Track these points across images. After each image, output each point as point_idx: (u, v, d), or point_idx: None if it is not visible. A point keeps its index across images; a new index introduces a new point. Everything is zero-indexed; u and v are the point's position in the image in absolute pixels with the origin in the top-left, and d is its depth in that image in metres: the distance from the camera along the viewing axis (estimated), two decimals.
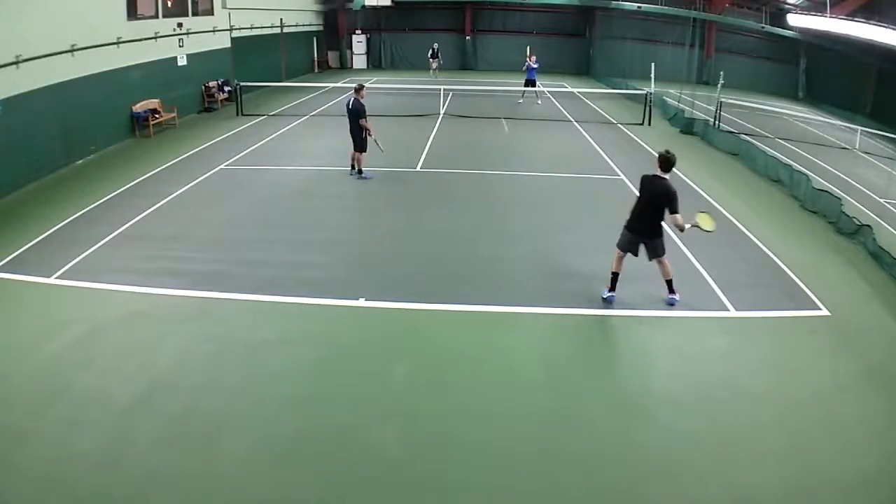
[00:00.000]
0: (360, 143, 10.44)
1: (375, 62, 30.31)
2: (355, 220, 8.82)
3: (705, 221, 6.13)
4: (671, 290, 6.27)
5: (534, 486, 3.97)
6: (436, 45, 26.25)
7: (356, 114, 10.18)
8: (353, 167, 10.77)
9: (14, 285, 6.59)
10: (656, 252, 6.11)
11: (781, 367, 5.32)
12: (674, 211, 5.78)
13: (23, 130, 10.10)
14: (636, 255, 6.18)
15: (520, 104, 18.86)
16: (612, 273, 6.28)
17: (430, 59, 25.84)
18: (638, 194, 6.17)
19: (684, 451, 4.30)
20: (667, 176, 5.93)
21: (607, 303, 6.26)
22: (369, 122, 10.31)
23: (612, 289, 6.29)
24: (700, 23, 23.66)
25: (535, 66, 18.80)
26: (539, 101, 19.33)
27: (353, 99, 10.24)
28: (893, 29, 17.61)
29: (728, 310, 6.31)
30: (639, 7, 26.87)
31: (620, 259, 6.25)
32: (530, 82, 18.96)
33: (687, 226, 5.87)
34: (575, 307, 6.27)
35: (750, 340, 5.76)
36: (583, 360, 5.41)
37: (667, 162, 5.91)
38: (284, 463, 4.12)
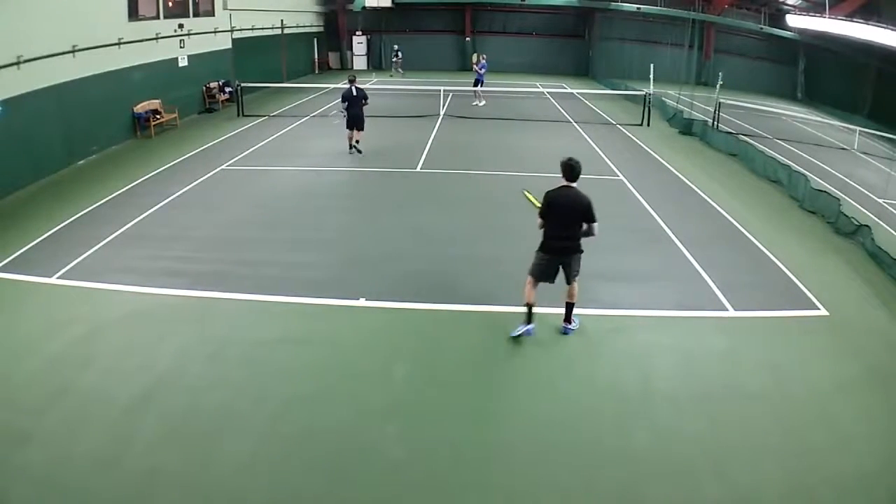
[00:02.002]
0: (363, 122, 12.14)
1: (376, 63, 30.36)
2: (355, 220, 8.84)
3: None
4: (569, 318, 5.67)
5: (534, 485, 3.99)
6: (395, 47, 27.38)
7: (364, 97, 12.03)
8: (352, 146, 12.18)
9: (15, 285, 6.61)
10: (577, 271, 5.47)
11: (780, 367, 5.34)
12: (593, 220, 5.25)
13: (24, 131, 10.12)
14: (553, 281, 5.51)
15: (475, 105, 18.54)
16: (528, 304, 5.53)
17: (394, 61, 27.18)
18: (548, 212, 5.31)
19: (684, 450, 4.31)
20: (575, 185, 5.31)
21: (524, 334, 5.55)
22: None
23: (529, 321, 5.57)
24: (699, 24, 23.68)
25: (482, 69, 18.57)
26: (480, 103, 18.68)
27: (354, 87, 11.98)
28: (892, 29, 17.63)
29: (727, 310, 6.33)
30: (638, 8, 26.90)
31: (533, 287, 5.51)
32: (478, 82, 18.73)
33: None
34: (574, 307, 6.27)
35: (749, 340, 5.77)
36: (582, 360, 5.42)
37: (570, 170, 5.29)
38: (285, 462, 4.13)
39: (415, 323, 6.01)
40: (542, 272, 5.48)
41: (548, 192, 5.33)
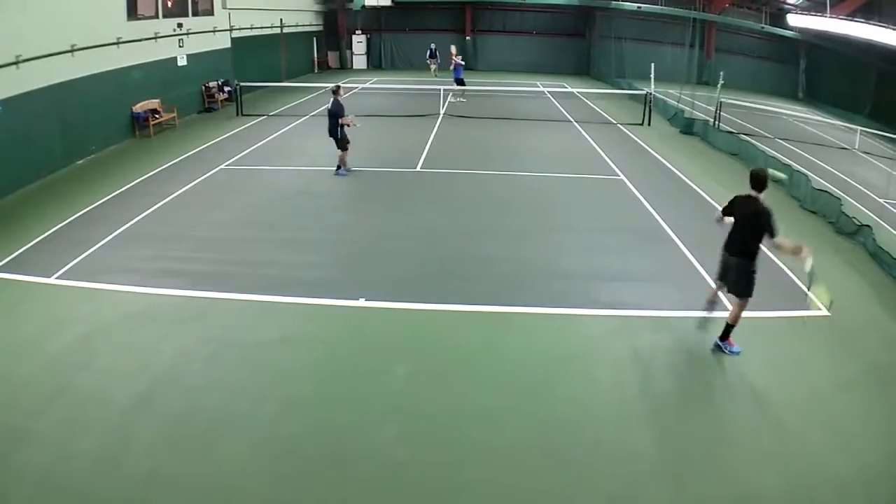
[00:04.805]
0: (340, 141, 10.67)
1: (375, 62, 30.31)
2: (355, 220, 8.83)
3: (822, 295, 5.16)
4: (726, 336, 5.47)
5: (534, 486, 3.98)
6: (433, 46, 26.42)
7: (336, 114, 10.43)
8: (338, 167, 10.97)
9: (14, 285, 6.59)
10: (738, 286, 5.36)
11: (781, 367, 5.33)
12: (772, 234, 5.15)
13: (23, 130, 10.10)
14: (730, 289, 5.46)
15: (453, 103, 18.50)
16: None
17: (429, 60, 26.06)
18: (731, 213, 5.48)
19: (684, 450, 4.31)
20: (760, 195, 5.28)
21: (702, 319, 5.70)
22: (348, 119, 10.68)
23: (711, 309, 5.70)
24: (700, 23, 23.65)
25: (462, 64, 18.80)
26: (463, 100, 18.87)
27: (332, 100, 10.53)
28: (893, 29, 17.62)
29: (728, 310, 6.30)
30: (639, 7, 26.86)
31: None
32: (459, 81, 18.79)
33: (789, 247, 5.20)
34: (575, 307, 6.27)
35: (750, 340, 5.75)
36: (582, 360, 5.41)
37: (754, 179, 5.30)
38: (285, 463, 4.12)
39: (415, 323, 5.99)
40: (720, 271, 5.57)
41: (737, 195, 5.50)
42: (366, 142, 12.45)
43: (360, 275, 6.97)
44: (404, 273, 7.03)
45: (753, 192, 5.31)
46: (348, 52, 30.09)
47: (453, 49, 19.66)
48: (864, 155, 15.38)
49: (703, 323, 5.73)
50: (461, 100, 18.86)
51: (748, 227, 5.25)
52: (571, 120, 16.94)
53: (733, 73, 21.73)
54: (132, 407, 4.61)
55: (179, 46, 15.63)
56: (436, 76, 25.00)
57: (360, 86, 21.93)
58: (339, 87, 10.86)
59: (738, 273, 5.32)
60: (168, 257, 7.33)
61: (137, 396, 4.73)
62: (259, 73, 20.11)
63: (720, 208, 5.62)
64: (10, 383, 4.90)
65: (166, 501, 3.80)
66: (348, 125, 10.61)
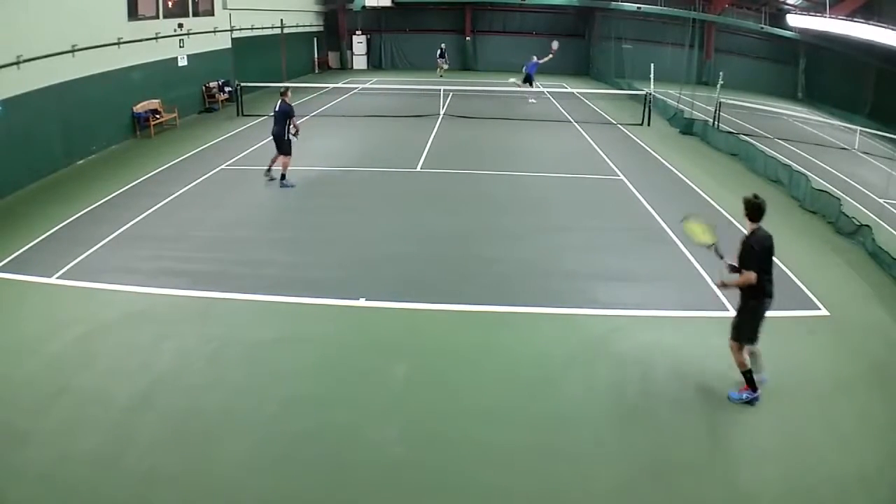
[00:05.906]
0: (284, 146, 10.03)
1: (376, 62, 30.34)
2: (355, 220, 8.84)
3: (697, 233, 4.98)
4: (749, 385, 4.73)
5: (533, 485, 3.99)
6: (443, 46, 26.49)
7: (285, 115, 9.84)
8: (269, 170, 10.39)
9: (15, 285, 6.60)
10: (733, 327, 4.76)
11: (781, 367, 5.31)
12: (745, 267, 4.60)
13: (24, 131, 10.11)
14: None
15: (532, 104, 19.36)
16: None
17: (439, 59, 26.13)
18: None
19: (684, 450, 4.31)
20: (756, 225, 4.75)
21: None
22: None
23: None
24: (699, 23, 23.67)
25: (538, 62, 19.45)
26: (533, 101, 19.65)
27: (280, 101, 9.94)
28: (893, 29, 17.64)
29: (728, 310, 6.30)
30: (638, 8, 26.89)
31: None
32: (528, 78, 19.55)
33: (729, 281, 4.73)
34: (574, 307, 6.28)
35: None
36: (582, 360, 5.42)
37: (750, 207, 4.72)
38: (285, 462, 4.13)
39: (415, 323, 6.00)
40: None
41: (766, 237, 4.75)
42: (366, 142, 12.46)
43: (360, 275, 6.98)
44: (404, 273, 7.04)
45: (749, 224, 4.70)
46: (349, 52, 30.12)
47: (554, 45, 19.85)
48: (863, 155, 15.38)
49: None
50: (532, 101, 19.45)
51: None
52: (571, 120, 16.95)
53: (733, 73, 21.74)
54: (133, 406, 4.62)
55: (180, 47, 15.64)
56: (442, 76, 25.09)
57: (361, 86, 21.93)
58: (287, 89, 10.39)
59: (741, 312, 4.78)
60: (169, 257, 7.34)
61: (138, 396, 4.74)
62: (259, 73, 20.12)
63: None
64: (10, 383, 4.90)
65: (166, 501, 3.80)
66: (296, 131, 9.98)
